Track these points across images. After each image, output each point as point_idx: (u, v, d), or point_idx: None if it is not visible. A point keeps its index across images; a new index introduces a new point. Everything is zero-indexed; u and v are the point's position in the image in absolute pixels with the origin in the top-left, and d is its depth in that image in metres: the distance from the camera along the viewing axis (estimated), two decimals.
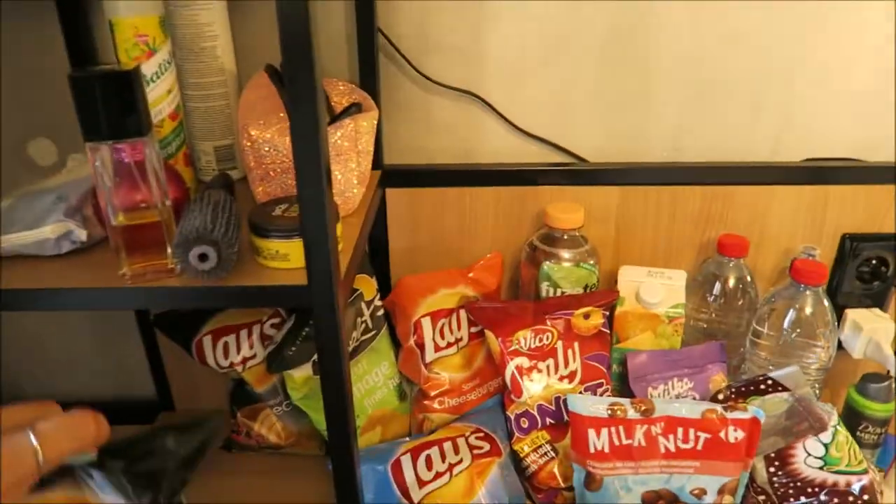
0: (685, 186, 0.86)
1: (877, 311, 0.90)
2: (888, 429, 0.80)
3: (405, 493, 0.68)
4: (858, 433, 0.79)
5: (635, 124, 0.86)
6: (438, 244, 0.88)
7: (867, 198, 0.86)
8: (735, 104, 0.85)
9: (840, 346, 0.85)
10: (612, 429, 0.67)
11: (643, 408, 0.67)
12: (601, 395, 0.78)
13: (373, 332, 0.82)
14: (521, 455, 0.76)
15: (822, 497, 0.68)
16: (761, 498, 0.71)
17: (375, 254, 0.88)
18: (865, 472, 0.68)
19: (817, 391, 0.81)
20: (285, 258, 0.54)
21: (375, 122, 0.68)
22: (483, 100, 0.84)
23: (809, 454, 0.68)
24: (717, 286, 0.84)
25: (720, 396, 0.78)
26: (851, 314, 0.89)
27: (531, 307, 0.78)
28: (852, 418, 0.79)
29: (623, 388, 0.83)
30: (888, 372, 0.84)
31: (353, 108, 0.68)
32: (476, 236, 0.88)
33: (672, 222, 0.88)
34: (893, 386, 0.79)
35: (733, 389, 0.78)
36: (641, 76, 0.83)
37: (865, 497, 0.68)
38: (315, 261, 0.49)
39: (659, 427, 0.67)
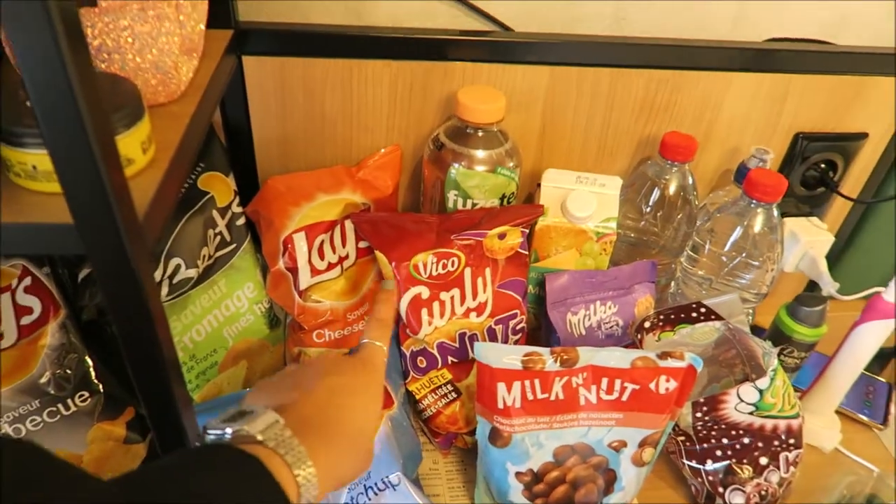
0: (629, 69, 0.69)
1: (815, 220, 0.81)
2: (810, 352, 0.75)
3: None
4: (781, 357, 0.73)
5: None
6: (318, 133, 0.68)
7: (830, 90, 0.73)
8: None
9: None
10: (527, 382, 0.55)
11: (564, 357, 0.56)
12: (515, 327, 0.65)
13: (232, 247, 0.64)
14: (417, 397, 0.64)
15: (745, 440, 0.62)
16: (680, 438, 0.64)
17: (236, 145, 0.67)
18: (797, 416, 0.62)
19: (750, 317, 0.73)
20: (51, 178, 0.33)
21: None
22: None
23: (742, 400, 0.60)
24: (656, 193, 0.70)
25: (647, 325, 0.68)
26: (790, 223, 0.80)
27: (435, 224, 0.62)
28: (777, 339, 0.72)
29: (539, 311, 0.71)
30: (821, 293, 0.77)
31: None
32: (367, 124, 0.69)
33: (610, 113, 0.72)
34: (827, 309, 0.72)
35: (661, 316, 0.68)
36: None
37: (791, 441, 0.62)
38: (77, 186, 0.30)
39: (581, 378, 0.56)
